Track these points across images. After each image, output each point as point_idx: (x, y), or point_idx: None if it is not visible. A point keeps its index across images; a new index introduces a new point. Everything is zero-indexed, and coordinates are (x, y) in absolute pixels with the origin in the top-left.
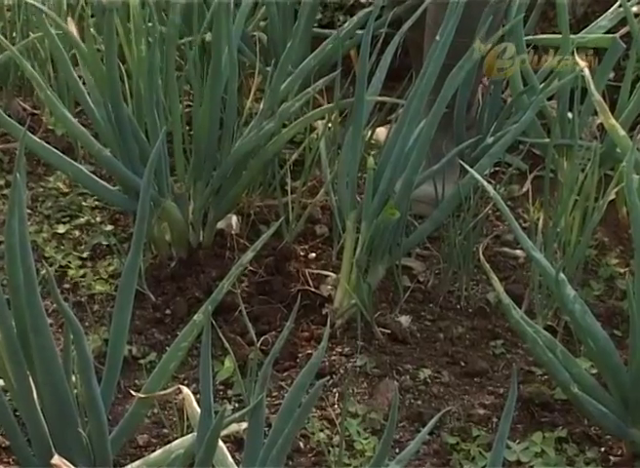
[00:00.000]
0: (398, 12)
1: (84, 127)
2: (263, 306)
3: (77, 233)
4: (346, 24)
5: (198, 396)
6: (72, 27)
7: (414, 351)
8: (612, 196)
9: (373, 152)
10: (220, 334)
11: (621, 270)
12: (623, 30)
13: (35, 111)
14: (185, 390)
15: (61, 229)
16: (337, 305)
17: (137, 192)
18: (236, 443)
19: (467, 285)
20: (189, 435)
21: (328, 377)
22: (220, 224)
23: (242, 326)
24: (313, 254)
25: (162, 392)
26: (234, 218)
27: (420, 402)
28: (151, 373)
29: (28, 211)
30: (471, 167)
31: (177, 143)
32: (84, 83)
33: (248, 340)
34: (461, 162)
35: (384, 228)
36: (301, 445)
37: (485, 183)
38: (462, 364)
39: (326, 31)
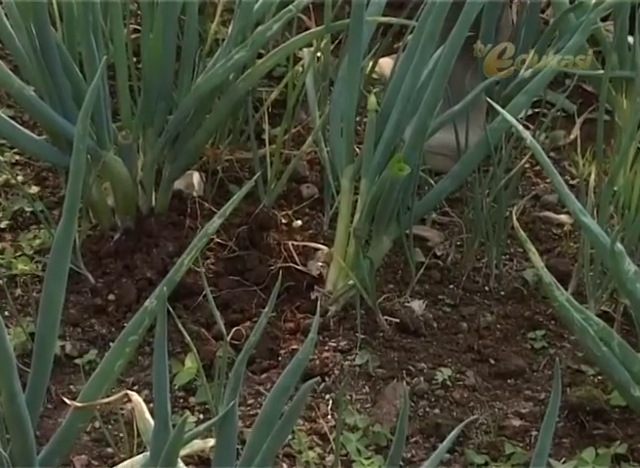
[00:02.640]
0: None
1: (0, 58)
2: (235, 289)
3: None
4: None
5: (151, 405)
6: None
7: (429, 345)
8: None
9: (375, 89)
10: (180, 326)
11: None
12: None
13: None
14: (135, 397)
15: None
16: (329, 287)
17: (69, 143)
18: (201, 464)
19: (498, 260)
20: (140, 455)
21: (318, 379)
22: (179, 184)
23: (208, 314)
24: (299, 222)
25: (105, 400)
26: (196, 176)
27: (437, 410)
28: (90, 376)
29: None
30: (503, 107)
31: (120, 79)
32: (0, 2)
33: (215, 333)
34: (490, 101)
35: (391, 187)
36: (285, 466)
37: (520, 128)
38: (492, 361)
39: None
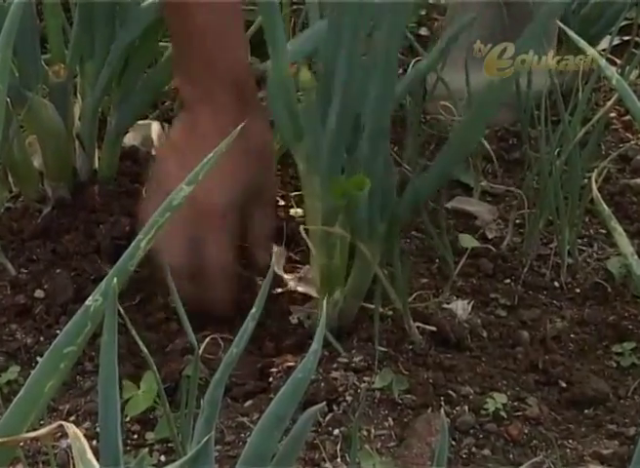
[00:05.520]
0: None
1: None
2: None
3: None
4: None
5: (95, 442)
6: None
7: (477, 363)
8: None
9: None
10: (134, 333)
11: None
12: None
13: None
14: (73, 431)
15: None
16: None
17: None
18: None
19: (572, 245)
20: None
21: (324, 407)
22: (132, 138)
23: (172, 317)
24: (299, 211)
25: (31, 434)
26: (155, 127)
27: (487, 451)
28: (11, 402)
29: None
30: (580, 35)
31: None
32: None
33: (183, 344)
34: (562, 25)
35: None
36: None
37: (604, 63)
38: (563, 384)
39: None
